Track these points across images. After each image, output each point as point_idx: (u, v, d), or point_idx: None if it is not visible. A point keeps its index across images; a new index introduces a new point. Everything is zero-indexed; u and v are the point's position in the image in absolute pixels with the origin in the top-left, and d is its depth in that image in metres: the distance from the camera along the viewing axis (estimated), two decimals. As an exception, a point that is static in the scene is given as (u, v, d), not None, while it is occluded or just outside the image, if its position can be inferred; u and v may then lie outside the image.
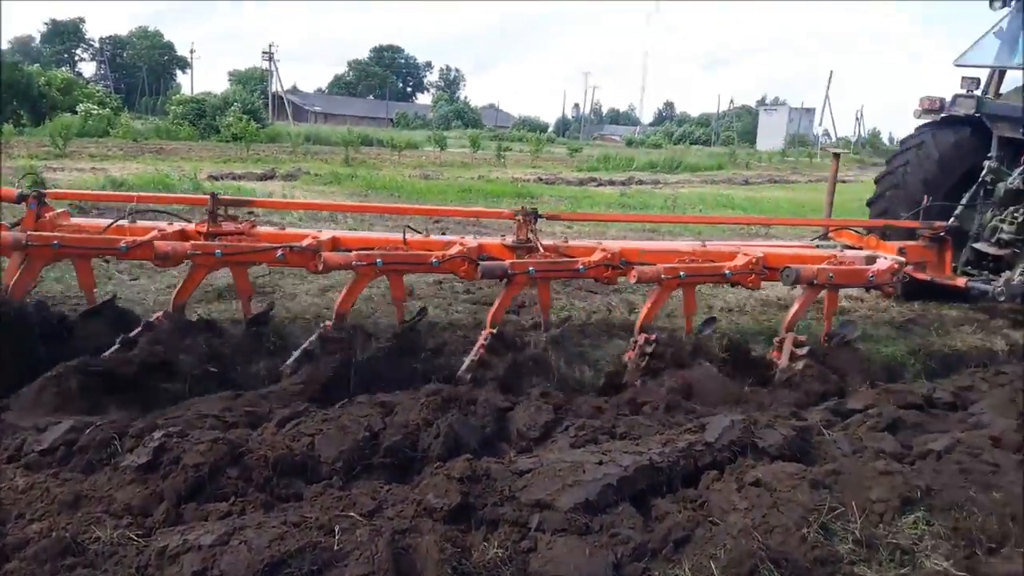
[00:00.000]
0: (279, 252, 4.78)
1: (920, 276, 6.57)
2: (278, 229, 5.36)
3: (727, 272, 5.25)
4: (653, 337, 4.79)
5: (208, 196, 5.16)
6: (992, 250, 6.96)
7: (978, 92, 7.58)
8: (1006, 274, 6.53)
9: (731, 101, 79.25)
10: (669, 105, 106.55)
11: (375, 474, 3.11)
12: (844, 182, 29.99)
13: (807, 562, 2.80)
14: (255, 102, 44.81)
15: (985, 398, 4.40)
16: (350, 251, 4.82)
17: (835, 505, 3.17)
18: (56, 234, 4.67)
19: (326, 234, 5.10)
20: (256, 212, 9.32)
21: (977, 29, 8.06)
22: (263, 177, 17.67)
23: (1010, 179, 6.93)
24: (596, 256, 5.16)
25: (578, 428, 3.71)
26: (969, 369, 5.03)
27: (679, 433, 3.61)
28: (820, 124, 67.08)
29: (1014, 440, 3.86)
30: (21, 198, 4.90)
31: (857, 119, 70.76)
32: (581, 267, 5.08)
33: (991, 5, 7.69)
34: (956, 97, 7.48)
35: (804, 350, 5.06)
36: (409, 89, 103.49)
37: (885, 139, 70.71)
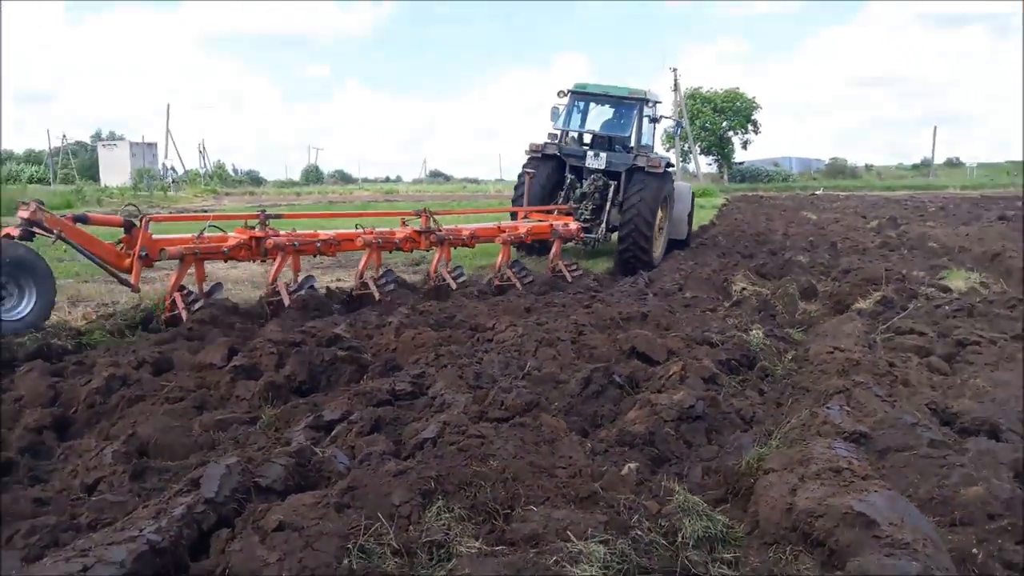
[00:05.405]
0: (318, 243, 7.97)
1: None
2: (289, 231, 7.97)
3: (522, 235, 10.23)
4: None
5: (260, 212, 7.91)
6: (582, 225, 12.21)
7: (557, 141, 13.70)
8: (598, 229, 13.03)
9: (63, 137, 71.66)
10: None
11: None
12: (205, 211, 29.81)
13: (362, 593, 2.50)
14: None
15: (438, 380, 4.67)
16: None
17: (366, 522, 2.93)
18: (193, 245, 7.07)
19: (331, 232, 8.32)
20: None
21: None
22: None
23: (582, 187, 13.25)
24: (466, 234, 9.35)
25: (26, 535, 2.71)
26: (420, 360, 5.30)
27: (169, 498, 2.92)
28: (166, 158, 66.02)
29: (475, 411, 4.17)
30: (127, 224, 6.89)
31: (201, 153, 70.90)
32: (464, 237, 9.37)
33: (558, 95, 13.58)
34: (546, 144, 13.57)
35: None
36: None
37: (230, 170, 72.91)
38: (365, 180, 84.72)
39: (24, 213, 6.38)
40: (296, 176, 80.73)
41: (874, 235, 16.84)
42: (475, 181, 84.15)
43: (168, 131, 62.20)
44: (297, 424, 4.11)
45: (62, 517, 2.93)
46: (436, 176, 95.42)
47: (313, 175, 79.16)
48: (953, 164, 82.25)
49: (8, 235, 6.36)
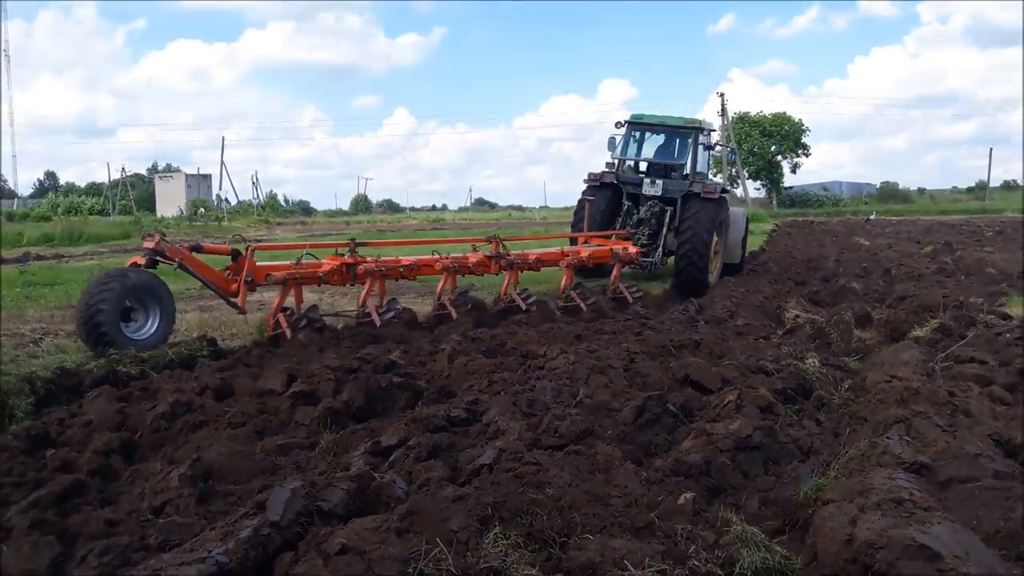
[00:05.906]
0: (401, 268, 8.54)
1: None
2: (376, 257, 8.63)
3: (584, 259, 10.70)
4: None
5: (349, 240, 8.63)
6: (640, 249, 12.57)
7: (614, 170, 14.19)
8: (655, 254, 13.44)
9: (123, 169, 74.26)
10: (51, 175, 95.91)
11: None
12: (260, 241, 30.61)
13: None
14: None
15: (492, 407, 4.71)
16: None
17: (426, 547, 2.97)
18: (294, 271, 7.78)
19: (412, 258, 8.97)
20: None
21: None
22: None
23: (639, 213, 13.73)
24: (532, 258, 10.11)
25: (99, 554, 2.82)
26: (474, 386, 5.37)
27: (236, 520, 3.01)
28: (221, 189, 67.79)
29: (529, 438, 4.20)
30: (234, 253, 7.59)
31: (254, 183, 72.53)
32: (531, 261, 10.13)
33: (616, 125, 14.34)
34: (604, 172, 14.07)
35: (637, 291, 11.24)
36: None
37: (282, 200, 74.49)
38: (412, 209, 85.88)
39: (149, 244, 7.20)
40: (345, 205, 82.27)
41: (929, 261, 16.49)
42: (520, 208, 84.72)
43: (223, 163, 63.94)
44: (356, 449, 4.19)
45: (133, 538, 3.04)
46: (481, 204, 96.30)
47: (362, 204, 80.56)
48: (1010, 187, 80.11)
49: (136, 263, 7.13)
